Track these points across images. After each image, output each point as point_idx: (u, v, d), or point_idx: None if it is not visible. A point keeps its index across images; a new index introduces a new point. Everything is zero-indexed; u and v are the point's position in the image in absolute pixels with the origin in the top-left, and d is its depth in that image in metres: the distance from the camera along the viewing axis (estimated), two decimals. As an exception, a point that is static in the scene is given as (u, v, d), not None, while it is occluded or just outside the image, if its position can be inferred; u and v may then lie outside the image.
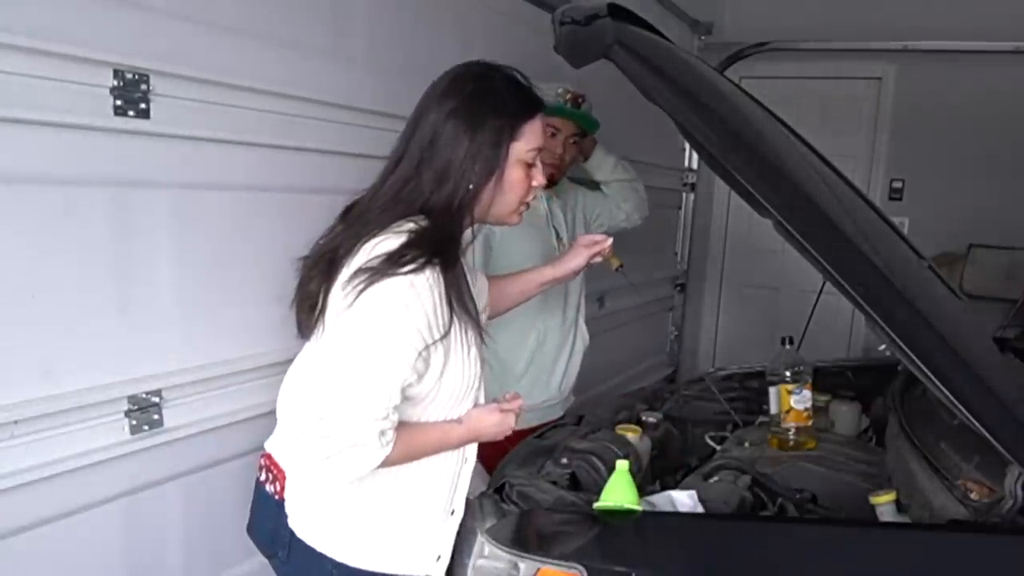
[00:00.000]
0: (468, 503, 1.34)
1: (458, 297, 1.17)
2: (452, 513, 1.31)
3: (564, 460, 1.51)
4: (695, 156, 4.19)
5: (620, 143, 2.95)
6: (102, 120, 1.33)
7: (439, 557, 1.30)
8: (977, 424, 1.14)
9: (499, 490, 1.40)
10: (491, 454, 1.74)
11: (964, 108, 3.83)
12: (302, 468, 1.27)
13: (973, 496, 1.21)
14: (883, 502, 1.35)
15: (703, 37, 4.19)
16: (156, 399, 1.47)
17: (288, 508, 1.30)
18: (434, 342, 1.14)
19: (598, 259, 1.61)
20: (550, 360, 2.09)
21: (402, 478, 1.25)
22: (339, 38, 1.46)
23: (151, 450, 1.47)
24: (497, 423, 1.29)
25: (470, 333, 1.22)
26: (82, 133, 1.30)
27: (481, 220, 1.26)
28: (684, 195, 4.35)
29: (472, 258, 1.68)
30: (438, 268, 1.14)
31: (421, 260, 1.11)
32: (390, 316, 1.11)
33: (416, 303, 1.11)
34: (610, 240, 1.59)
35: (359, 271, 1.11)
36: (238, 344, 1.43)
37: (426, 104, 1.22)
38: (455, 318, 1.16)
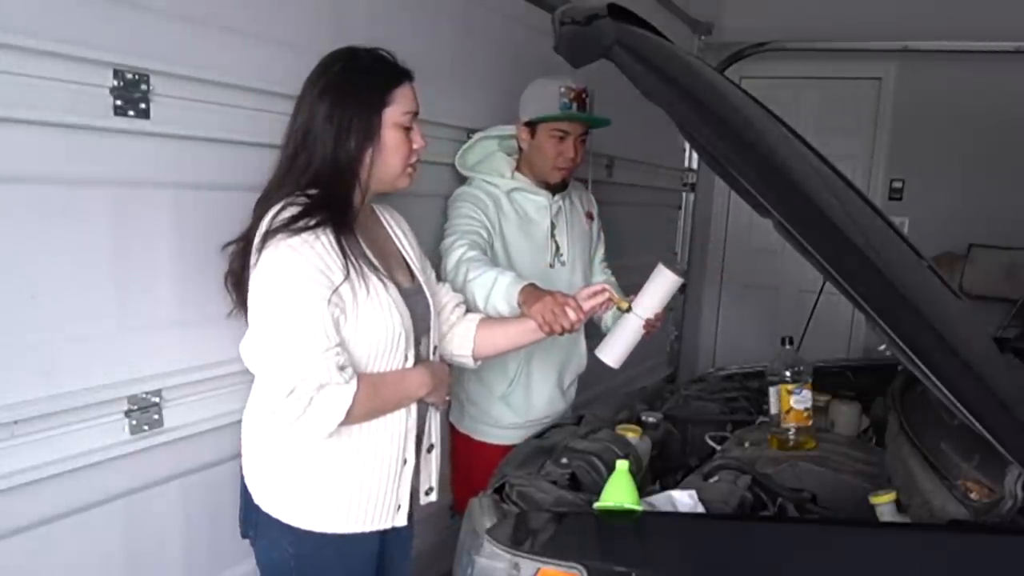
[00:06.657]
0: (468, 503, 1.35)
1: (352, 250, 1.28)
2: (405, 463, 1.39)
3: (564, 460, 1.51)
4: (695, 156, 4.18)
5: (620, 143, 2.96)
6: (102, 120, 1.32)
7: (399, 507, 1.39)
8: (977, 424, 1.14)
9: (499, 490, 1.40)
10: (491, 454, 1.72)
11: (964, 108, 3.83)
12: (278, 438, 1.34)
13: (973, 496, 1.22)
14: (883, 502, 1.35)
15: (703, 37, 4.18)
16: (156, 399, 1.47)
17: (249, 482, 1.33)
18: (336, 288, 1.24)
19: (605, 310, 1.61)
20: (536, 379, 2.04)
21: (354, 435, 1.32)
22: (339, 38, 1.45)
23: (151, 450, 1.47)
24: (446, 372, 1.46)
25: (376, 285, 1.30)
26: (82, 133, 1.30)
27: (370, 184, 1.35)
28: (684, 195, 4.35)
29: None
30: (329, 228, 1.26)
31: (307, 221, 1.24)
32: (286, 264, 1.23)
33: (305, 248, 1.23)
34: (607, 288, 1.55)
35: (260, 238, 1.26)
36: (238, 344, 1.43)
37: (303, 90, 1.35)
38: (351, 269, 1.26)
